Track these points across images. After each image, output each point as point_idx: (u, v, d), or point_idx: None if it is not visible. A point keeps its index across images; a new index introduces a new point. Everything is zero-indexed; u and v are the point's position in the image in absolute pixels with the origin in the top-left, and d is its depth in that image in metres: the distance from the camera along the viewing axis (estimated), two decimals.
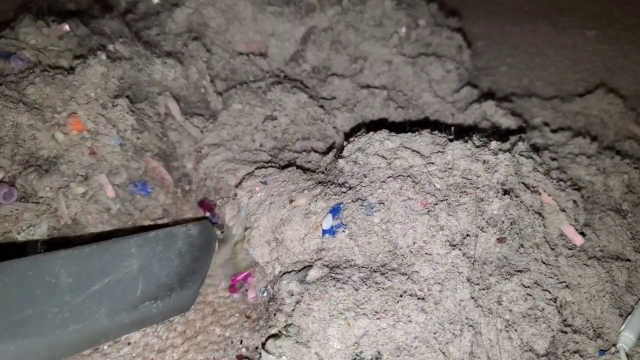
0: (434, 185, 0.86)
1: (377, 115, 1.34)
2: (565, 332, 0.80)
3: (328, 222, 0.88)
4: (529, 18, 2.31)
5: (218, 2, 1.49)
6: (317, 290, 0.78)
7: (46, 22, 1.26)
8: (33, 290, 0.69)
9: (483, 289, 0.77)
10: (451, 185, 0.86)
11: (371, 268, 0.81)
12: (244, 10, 1.51)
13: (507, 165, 0.87)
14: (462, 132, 0.97)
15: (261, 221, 0.95)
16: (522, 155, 0.96)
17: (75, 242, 0.95)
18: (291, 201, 0.96)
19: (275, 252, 0.93)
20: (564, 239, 0.92)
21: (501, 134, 1.20)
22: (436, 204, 0.84)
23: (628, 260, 0.96)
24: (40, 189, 0.98)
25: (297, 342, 0.75)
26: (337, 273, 0.80)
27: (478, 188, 0.85)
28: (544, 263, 0.84)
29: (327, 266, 0.83)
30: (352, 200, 0.88)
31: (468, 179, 0.87)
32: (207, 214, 1.11)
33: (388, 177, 0.89)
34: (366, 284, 0.77)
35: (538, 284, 0.80)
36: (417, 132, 0.97)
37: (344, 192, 0.91)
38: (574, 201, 0.97)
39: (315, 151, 1.18)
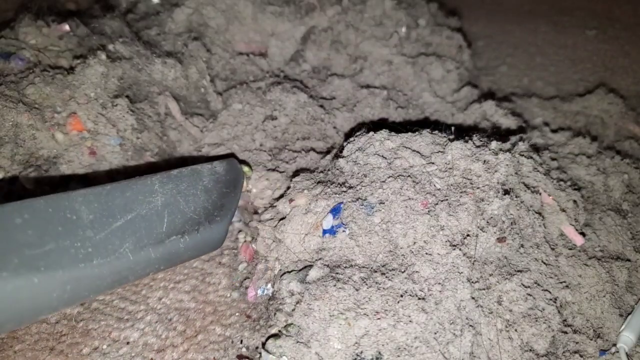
0: (434, 185, 0.86)
1: (377, 115, 1.34)
2: (566, 332, 0.80)
3: (328, 222, 0.88)
4: (529, 18, 2.31)
5: (218, 2, 1.49)
6: (317, 290, 0.78)
7: (46, 22, 1.26)
8: (53, 227, 0.68)
9: (483, 289, 0.77)
10: (451, 185, 0.86)
11: (372, 268, 0.81)
12: (244, 10, 1.51)
13: (507, 165, 0.87)
14: (462, 132, 0.97)
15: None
16: (522, 155, 0.96)
17: None
18: (291, 201, 0.96)
19: (275, 251, 0.93)
20: (564, 239, 0.92)
21: (501, 134, 1.20)
22: (436, 204, 0.84)
23: (628, 260, 0.96)
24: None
25: (297, 342, 0.75)
26: (337, 273, 0.80)
27: (478, 188, 0.85)
28: (544, 263, 0.84)
29: (327, 266, 0.83)
30: (353, 200, 0.88)
31: (468, 179, 0.87)
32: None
33: (388, 177, 0.89)
34: (366, 284, 0.77)
35: (538, 284, 0.80)
36: (417, 132, 0.97)
37: (344, 192, 0.91)
38: (574, 201, 0.97)
39: (315, 151, 1.18)
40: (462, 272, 0.77)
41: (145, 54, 1.26)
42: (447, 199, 0.84)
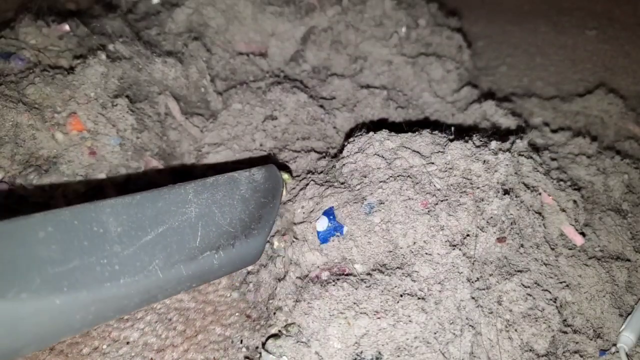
0: (434, 185, 0.86)
1: (377, 115, 1.34)
2: (566, 332, 0.80)
3: (323, 224, 0.88)
4: (529, 18, 2.31)
5: (218, 2, 1.49)
6: (317, 289, 0.78)
7: (46, 22, 1.26)
8: (79, 241, 0.62)
9: (483, 289, 0.77)
10: (451, 185, 0.86)
11: (371, 268, 0.81)
12: (244, 10, 1.51)
13: (507, 165, 0.87)
14: (462, 132, 0.97)
15: None
16: (522, 155, 0.96)
17: None
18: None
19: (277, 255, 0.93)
20: (564, 239, 0.92)
21: (501, 134, 1.20)
22: (436, 204, 0.84)
23: (628, 260, 0.96)
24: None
25: (297, 341, 0.75)
26: (337, 273, 0.80)
27: (478, 188, 0.85)
28: (544, 263, 0.84)
29: (327, 266, 0.83)
30: (353, 201, 0.88)
31: (468, 179, 0.87)
32: None
33: (388, 177, 0.89)
34: (366, 284, 0.77)
35: (538, 284, 0.80)
36: (417, 132, 0.97)
37: (343, 193, 0.91)
38: (574, 201, 0.97)
39: (315, 151, 1.18)
40: (461, 272, 0.77)
41: (145, 53, 1.26)
42: (447, 199, 0.84)
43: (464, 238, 0.80)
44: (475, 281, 0.77)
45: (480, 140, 0.94)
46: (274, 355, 0.76)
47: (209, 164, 1.13)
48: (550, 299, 0.79)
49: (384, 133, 0.97)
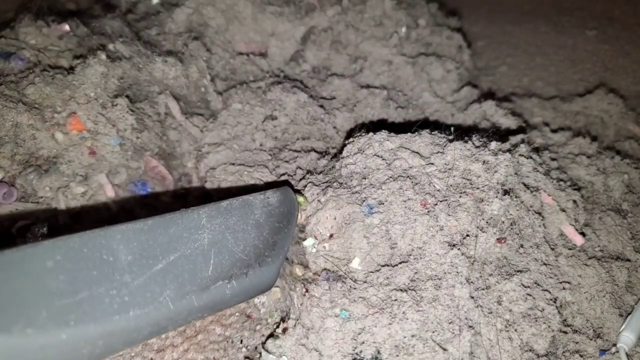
0: (434, 186, 0.86)
1: (377, 115, 1.34)
2: (565, 332, 0.80)
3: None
4: (529, 18, 2.31)
5: (218, 2, 1.49)
6: (316, 288, 0.78)
7: (46, 22, 1.26)
8: (88, 270, 0.60)
9: (483, 289, 0.77)
10: (451, 185, 0.86)
11: (370, 268, 0.81)
12: (244, 10, 1.51)
13: (507, 165, 0.87)
14: (462, 132, 0.97)
15: None
16: (522, 156, 0.96)
17: None
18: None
19: None
20: (564, 239, 0.92)
21: (501, 134, 1.20)
22: (436, 204, 0.84)
23: (628, 260, 0.96)
24: (40, 189, 0.98)
25: (297, 341, 0.75)
26: (336, 271, 0.80)
27: (478, 188, 0.85)
28: (544, 263, 0.84)
29: (326, 265, 0.83)
30: (352, 202, 0.88)
31: (468, 180, 0.87)
32: None
33: (388, 178, 0.89)
34: (366, 283, 0.77)
35: (538, 284, 0.80)
36: (416, 133, 0.97)
37: (344, 194, 0.91)
38: (574, 201, 0.97)
39: (315, 151, 1.18)
40: (460, 272, 0.77)
41: (145, 53, 1.26)
42: (446, 200, 0.84)
43: (464, 238, 0.80)
44: (475, 281, 0.77)
45: (480, 141, 0.94)
46: (274, 355, 0.76)
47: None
48: (550, 299, 0.79)
49: (383, 134, 0.97)
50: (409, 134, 0.97)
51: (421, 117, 1.38)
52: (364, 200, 0.87)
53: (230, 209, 0.75)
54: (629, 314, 0.87)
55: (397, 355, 0.70)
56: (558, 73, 1.85)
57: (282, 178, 1.07)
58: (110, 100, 1.10)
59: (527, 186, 0.91)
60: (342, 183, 0.94)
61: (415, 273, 0.78)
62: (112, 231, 0.64)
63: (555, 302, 0.80)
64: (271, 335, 0.80)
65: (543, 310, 0.77)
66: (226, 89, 1.37)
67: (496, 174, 0.86)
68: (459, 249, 0.79)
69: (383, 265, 0.80)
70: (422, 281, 0.77)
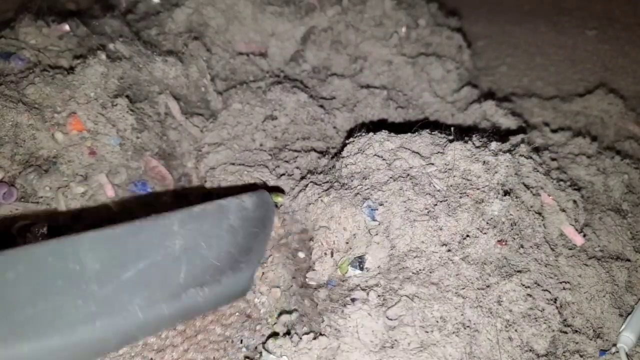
0: (434, 186, 0.86)
1: (377, 116, 1.34)
2: (565, 332, 0.80)
3: None
4: (529, 18, 2.31)
5: (218, 2, 1.49)
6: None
7: (46, 22, 1.26)
8: (52, 281, 0.58)
9: (483, 289, 0.77)
10: (451, 186, 0.86)
11: (369, 268, 0.81)
12: (244, 10, 1.51)
13: (507, 166, 0.87)
14: (462, 133, 0.97)
15: None
16: (522, 156, 0.96)
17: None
18: None
19: None
20: (564, 239, 0.92)
21: (501, 134, 1.20)
22: (436, 204, 0.84)
23: (628, 260, 0.96)
24: (40, 189, 0.98)
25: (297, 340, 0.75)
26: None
27: (478, 189, 0.85)
28: (544, 263, 0.84)
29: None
30: (352, 203, 0.88)
31: (468, 180, 0.87)
32: None
33: (388, 179, 0.89)
34: (366, 284, 0.77)
35: (538, 284, 0.80)
36: (416, 133, 0.97)
37: (344, 195, 0.91)
38: (574, 201, 0.97)
39: (315, 151, 1.18)
40: (460, 272, 0.77)
41: (145, 53, 1.26)
42: (446, 200, 0.84)
43: (464, 239, 0.80)
44: (475, 281, 0.77)
45: (480, 141, 0.94)
46: (274, 355, 0.76)
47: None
48: (550, 299, 0.79)
49: (383, 134, 0.97)
50: (409, 134, 0.97)
51: (421, 117, 1.38)
52: (364, 201, 0.87)
53: (204, 214, 0.73)
54: (629, 314, 0.87)
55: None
56: (558, 73, 1.85)
57: (282, 178, 1.07)
58: (110, 100, 1.10)
59: (527, 186, 0.91)
60: (342, 183, 0.94)
61: (415, 274, 0.78)
62: (79, 239, 0.62)
63: (555, 302, 0.80)
64: (271, 335, 0.80)
65: (543, 310, 0.77)
66: (226, 89, 1.37)
67: (496, 174, 0.86)
68: (459, 249, 0.79)
69: (382, 265, 0.80)
70: (422, 282, 0.77)
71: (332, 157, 1.11)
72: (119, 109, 1.10)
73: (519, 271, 0.80)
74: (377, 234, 0.83)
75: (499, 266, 0.80)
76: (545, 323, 0.76)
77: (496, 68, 1.90)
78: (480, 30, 2.19)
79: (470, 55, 1.74)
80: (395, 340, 0.71)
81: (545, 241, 0.88)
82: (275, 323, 0.84)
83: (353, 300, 0.75)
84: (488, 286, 0.77)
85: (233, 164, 1.11)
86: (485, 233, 0.80)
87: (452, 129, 0.98)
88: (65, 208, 0.98)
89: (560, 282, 0.84)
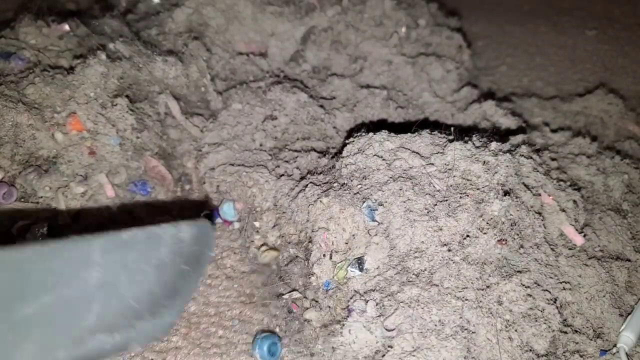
0: (434, 186, 0.86)
1: (377, 116, 1.34)
2: (566, 332, 0.80)
3: None
4: (529, 18, 2.31)
5: (218, 2, 1.49)
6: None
7: (46, 22, 1.25)
8: None
9: (483, 289, 0.77)
10: (451, 186, 0.86)
11: (369, 269, 0.81)
12: (244, 10, 1.51)
13: (507, 166, 0.87)
14: (462, 133, 0.97)
15: None
16: (522, 156, 0.96)
17: None
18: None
19: None
20: (564, 239, 0.92)
21: (501, 134, 1.20)
22: (436, 205, 0.84)
23: (628, 260, 0.96)
24: (40, 189, 0.98)
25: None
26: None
27: (478, 189, 0.85)
28: (544, 263, 0.84)
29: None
30: (352, 203, 0.88)
31: (468, 180, 0.87)
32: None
33: (388, 179, 0.89)
34: (365, 288, 0.77)
35: (538, 284, 0.80)
36: (416, 133, 0.97)
37: (344, 195, 0.91)
38: (574, 201, 0.97)
39: (315, 151, 1.18)
40: (460, 273, 0.77)
41: (145, 52, 1.26)
42: (446, 200, 0.84)
43: (464, 239, 0.80)
44: (475, 282, 0.77)
45: (480, 141, 0.94)
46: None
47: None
48: (550, 299, 0.79)
49: (383, 134, 0.97)
50: (409, 134, 0.97)
51: (421, 117, 1.38)
52: (364, 201, 0.87)
53: (132, 243, 0.63)
54: (629, 314, 0.87)
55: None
56: (558, 73, 1.84)
57: (282, 178, 1.07)
58: (110, 100, 1.10)
59: (527, 186, 0.91)
60: (342, 184, 0.94)
61: (415, 275, 0.78)
62: None
63: (555, 302, 0.80)
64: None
65: (543, 310, 0.77)
66: (226, 89, 1.37)
67: (496, 174, 0.86)
68: (459, 249, 0.79)
69: (382, 266, 0.80)
70: (422, 282, 0.77)
71: (332, 157, 1.11)
72: (119, 109, 1.10)
73: (519, 271, 0.80)
74: (376, 235, 0.83)
75: (499, 266, 0.80)
76: (545, 323, 0.76)
77: (496, 68, 1.90)
78: (480, 30, 2.19)
79: (470, 55, 1.73)
80: (390, 346, 0.71)
81: (545, 241, 0.88)
82: None
83: (350, 311, 0.75)
84: (488, 286, 0.77)
85: (233, 164, 1.11)
86: (485, 233, 0.80)
87: (452, 129, 0.98)
88: (65, 208, 0.98)
89: (560, 282, 0.84)
